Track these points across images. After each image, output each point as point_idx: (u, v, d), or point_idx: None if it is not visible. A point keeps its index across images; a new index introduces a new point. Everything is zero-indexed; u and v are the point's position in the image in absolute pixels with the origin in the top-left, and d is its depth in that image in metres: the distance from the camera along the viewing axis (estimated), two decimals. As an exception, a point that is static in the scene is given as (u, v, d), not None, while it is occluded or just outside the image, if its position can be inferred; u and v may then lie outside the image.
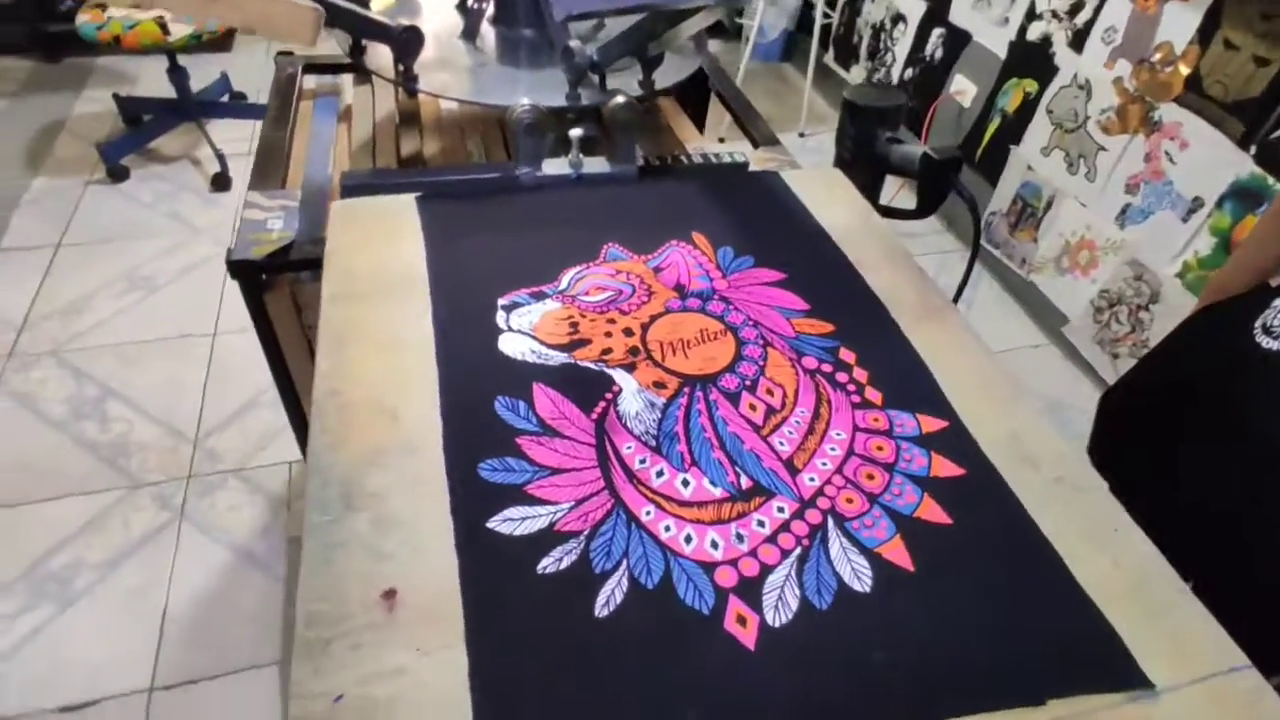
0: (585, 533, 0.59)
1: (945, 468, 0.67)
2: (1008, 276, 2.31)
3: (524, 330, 0.74)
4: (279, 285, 1.12)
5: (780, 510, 0.62)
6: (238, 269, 1.14)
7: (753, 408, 0.70)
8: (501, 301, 0.77)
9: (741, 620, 0.55)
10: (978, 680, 0.54)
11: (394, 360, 0.71)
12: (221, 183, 2.38)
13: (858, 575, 0.59)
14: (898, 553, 0.60)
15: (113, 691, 1.37)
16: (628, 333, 0.75)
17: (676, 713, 0.51)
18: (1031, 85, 2.16)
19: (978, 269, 2.37)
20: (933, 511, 0.63)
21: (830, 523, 0.62)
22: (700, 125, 1.53)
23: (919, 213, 1.27)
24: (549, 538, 0.59)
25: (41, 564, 1.57)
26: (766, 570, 0.58)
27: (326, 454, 0.63)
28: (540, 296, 0.78)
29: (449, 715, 0.50)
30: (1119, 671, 0.55)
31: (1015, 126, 2.21)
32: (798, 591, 0.57)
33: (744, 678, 0.53)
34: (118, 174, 2.38)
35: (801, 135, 2.88)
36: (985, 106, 2.31)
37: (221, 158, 2.39)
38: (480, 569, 0.57)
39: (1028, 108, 2.17)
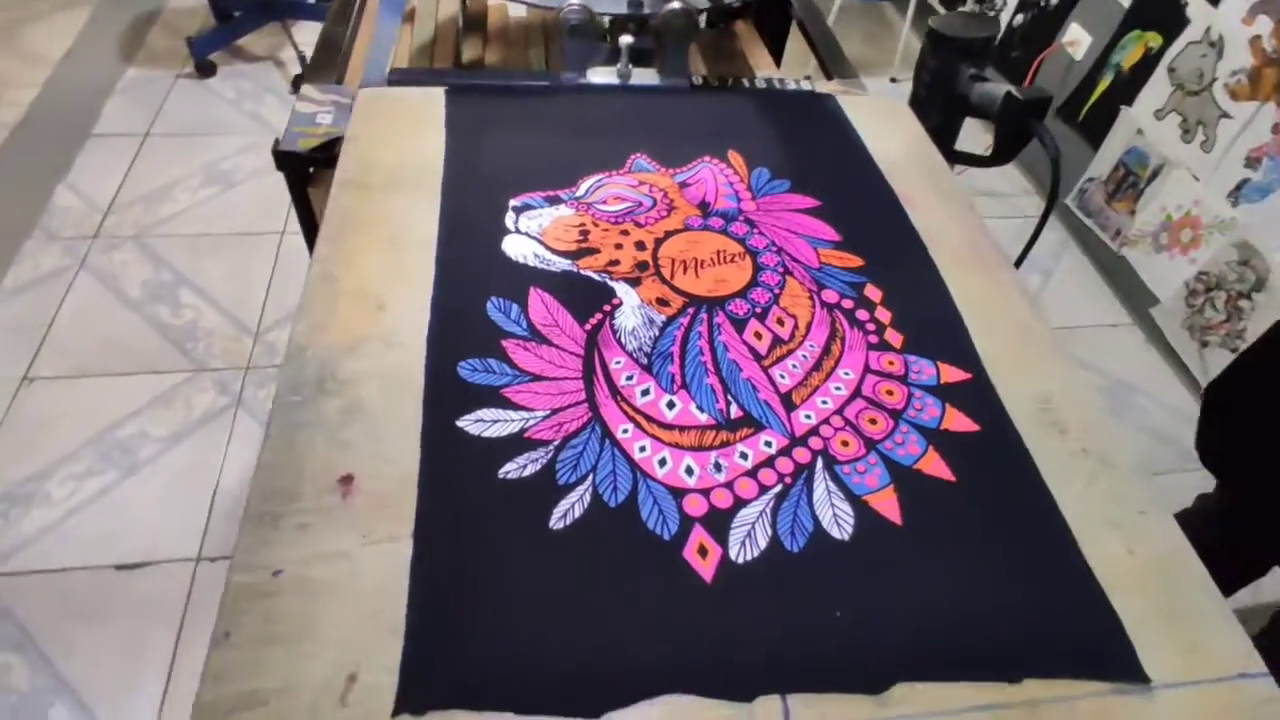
0: (555, 443, 0.56)
1: (959, 421, 0.61)
2: (1096, 249, 2.13)
3: (531, 233, 0.71)
4: (323, 180, 1.11)
5: (767, 444, 0.58)
6: (283, 160, 1.14)
7: (758, 336, 0.65)
8: (513, 202, 0.73)
9: (702, 551, 0.52)
10: (947, 647, 0.49)
11: (393, 253, 0.69)
12: (301, 85, 2.39)
13: (839, 521, 0.54)
14: (887, 504, 0.55)
15: (164, 556, 1.45)
16: (639, 246, 0.71)
17: (616, 632, 0.48)
18: (1155, 39, 1.95)
19: (1063, 237, 2.20)
20: (935, 466, 0.58)
21: (819, 464, 0.57)
22: (778, 57, 1.44)
23: (994, 159, 1.16)
24: (517, 443, 0.56)
25: (110, 432, 1.66)
26: (740, 504, 0.54)
27: (308, 336, 0.62)
28: (554, 201, 0.74)
29: (383, 603, 0.48)
30: (1113, 661, 0.49)
31: (1129, 85, 2.01)
32: (769, 530, 0.53)
33: (694, 609, 0.49)
34: (205, 69, 2.42)
35: (894, 80, 2.71)
36: (1099, 60, 2.11)
37: (303, 59, 2.41)
38: (441, 466, 0.54)
39: (1147, 64, 1.96)
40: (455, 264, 0.67)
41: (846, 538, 0.53)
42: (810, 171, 0.81)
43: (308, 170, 1.10)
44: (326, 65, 1.17)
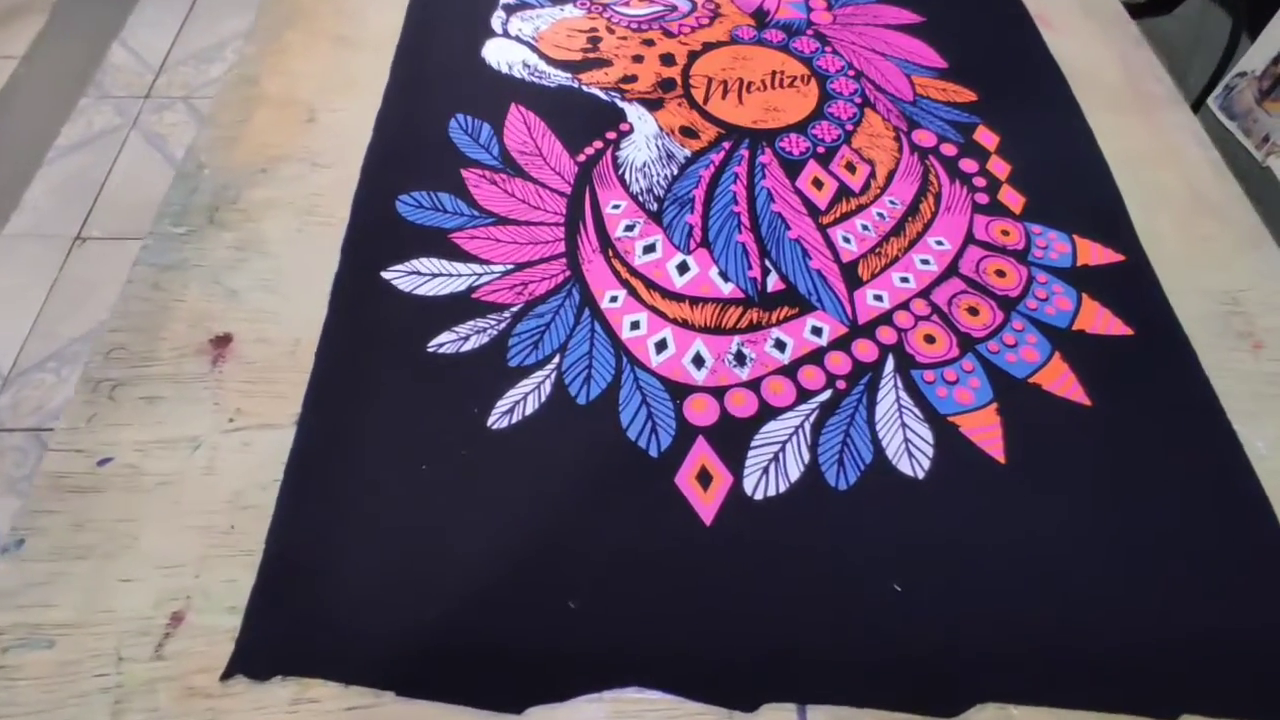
0: (514, 308, 0.39)
1: (1102, 320, 0.40)
2: (1237, 158, 1.77)
3: (524, 37, 0.51)
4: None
5: (815, 332, 0.39)
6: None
7: (818, 185, 0.45)
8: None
9: (704, 477, 0.34)
10: (1064, 657, 0.31)
11: (339, 54, 0.50)
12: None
13: (911, 450, 0.35)
14: (986, 431, 0.36)
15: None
16: (666, 60, 0.50)
17: (563, 589, 0.31)
18: (1351, -106, 1.53)
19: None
20: (1062, 381, 0.38)
21: (889, 364, 0.38)
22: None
23: (1153, 6, 0.89)
24: (462, 306, 0.39)
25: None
26: (768, 413, 0.36)
27: (210, 152, 0.45)
28: (560, 0, 0.54)
29: (239, 516, 0.33)
30: (1335, 699, 0.30)
31: (1307, -45, 1.60)
32: (806, 454, 0.35)
33: (682, 563, 0.32)
34: (260, -80, 2.21)
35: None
36: (1271, -76, 1.69)
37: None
38: (352, 329, 0.38)
39: (1334, -72, 1.55)
40: (417, 70, 0.49)
41: (921, 474, 0.35)
42: (912, -22, 0.58)
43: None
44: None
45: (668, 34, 0.52)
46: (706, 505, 0.33)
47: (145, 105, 1.86)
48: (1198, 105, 0.83)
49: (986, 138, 0.48)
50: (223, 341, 0.37)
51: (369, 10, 0.53)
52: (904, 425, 0.36)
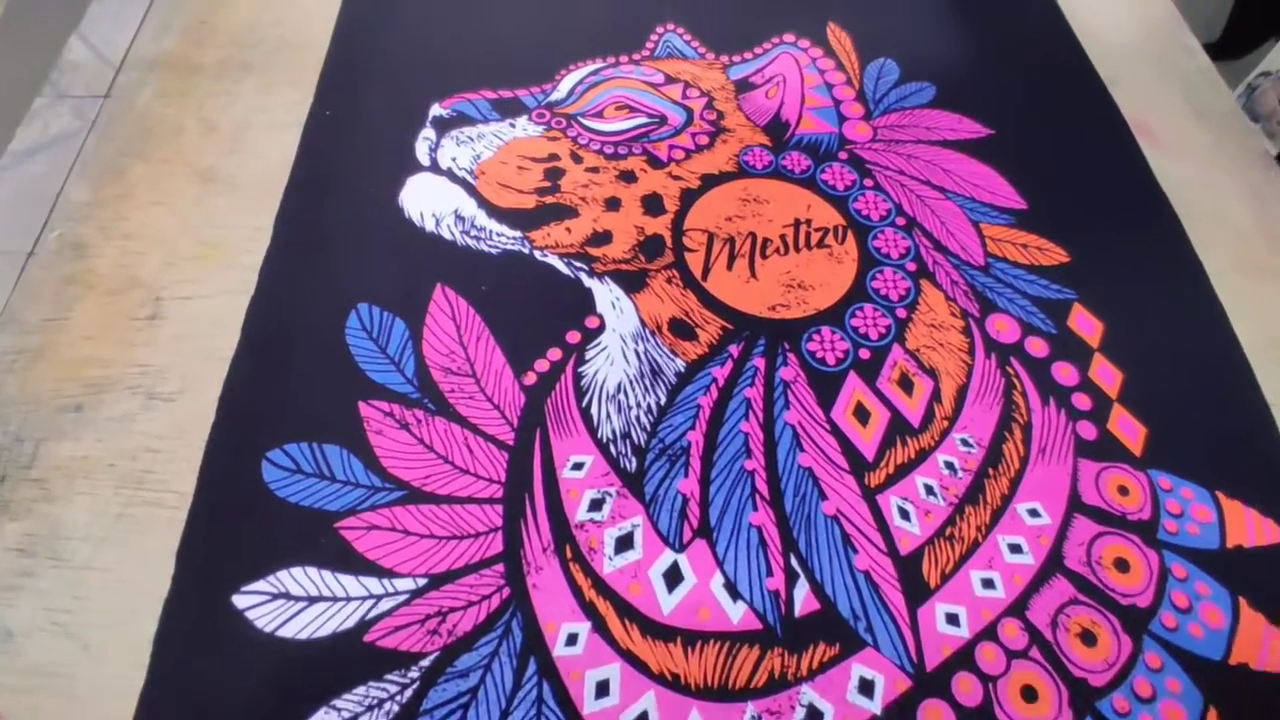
0: (427, 661, 0.25)
1: (1271, 647, 0.27)
2: (1253, 160, 1.61)
3: (458, 170, 0.36)
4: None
5: (864, 689, 0.25)
6: None
7: (862, 416, 0.31)
8: (437, 110, 0.38)
9: None
10: None
11: (206, 200, 0.35)
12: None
13: None
14: None
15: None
16: (651, 204, 0.35)
17: None
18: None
19: (1212, 144, 1.67)
20: (1225, 762, 0.25)
21: (974, 746, 0.25)
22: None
23: (1225, 48, 0.74)
24: (349, 656, 0.25)
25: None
26: (799, 847, 0.23)
27: (6, 376, 0.30)
28: (510, 110, 0.38)
29: None
30: None
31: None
32: None
33: None
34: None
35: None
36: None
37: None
38: (179, 708, 0.24)
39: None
40: (309, 227, 0.34)
41: None
42: (973, 72, 0.42)
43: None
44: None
45: (654, 161, 0.37)
46: None
47: (105, 106, 1.68)
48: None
49: (1085, 324, 0.34)
50: (-17, 732, 0.24)
51: (253, 129, 0.38)
52: None
